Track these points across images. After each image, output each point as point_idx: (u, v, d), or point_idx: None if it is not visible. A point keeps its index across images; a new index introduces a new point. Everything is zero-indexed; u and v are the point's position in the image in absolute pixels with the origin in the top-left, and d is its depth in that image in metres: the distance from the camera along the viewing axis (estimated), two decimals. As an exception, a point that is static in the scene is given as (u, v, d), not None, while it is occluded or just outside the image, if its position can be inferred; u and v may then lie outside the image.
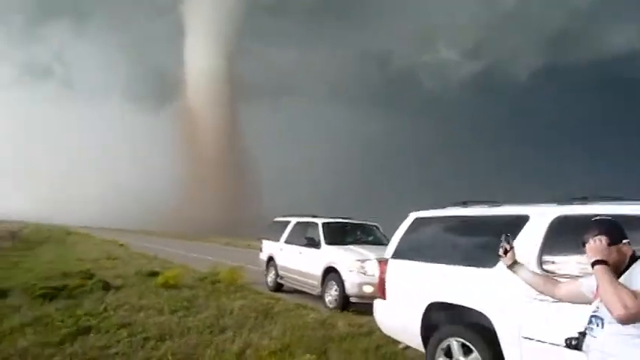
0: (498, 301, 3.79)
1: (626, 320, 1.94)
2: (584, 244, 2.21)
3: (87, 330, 6.06)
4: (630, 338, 1.98)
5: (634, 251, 2.20)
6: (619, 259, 2.15)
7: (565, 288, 2.56)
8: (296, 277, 10.53)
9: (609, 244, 2.13)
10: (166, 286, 9.70)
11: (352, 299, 8.58)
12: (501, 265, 2.98)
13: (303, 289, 10.23)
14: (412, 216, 5.26)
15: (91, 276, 10.70)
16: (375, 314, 5.41)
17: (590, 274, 2.18)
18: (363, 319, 7.33)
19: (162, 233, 60.31)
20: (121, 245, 26.02)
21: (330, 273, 9.15)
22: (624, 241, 2.18)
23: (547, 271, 3.44)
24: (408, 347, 5.19)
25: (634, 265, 2.13)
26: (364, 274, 8.44)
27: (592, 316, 2.18)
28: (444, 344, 4.20)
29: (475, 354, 3.91)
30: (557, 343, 3.08)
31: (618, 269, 2.12)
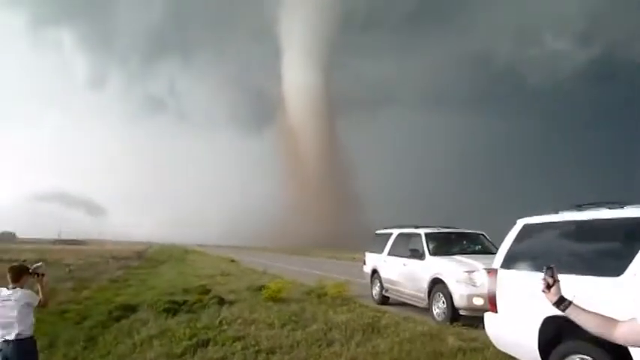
0: (627, 314, 3.38)
1: None
2: None
3: (205, 343, 6.51)
4: None
5: None
6: None
7: (626, 326, 1.98)
8: (401, 289, 10.36)
9: None
10: (275, 300, 10.11)
11: (461, 312, 8.21)
12: (629, 273, 2.66)
13: (409, 302, 10.02)
14: (520, 222, 4.97)
15: (207, 291, 11.68)
16: (486, 328, 5.13)
17: None
18: (474, 332, 6.96)
19: (269, 248, 63.04)
20: (233, 261, 27.78)
21: (437, 284, 8.87)
22: None
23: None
24: None
25: None
26: (473, 285, 8.04)
27: None
28: (566, 361, 3.84)
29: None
30: None
31: None
